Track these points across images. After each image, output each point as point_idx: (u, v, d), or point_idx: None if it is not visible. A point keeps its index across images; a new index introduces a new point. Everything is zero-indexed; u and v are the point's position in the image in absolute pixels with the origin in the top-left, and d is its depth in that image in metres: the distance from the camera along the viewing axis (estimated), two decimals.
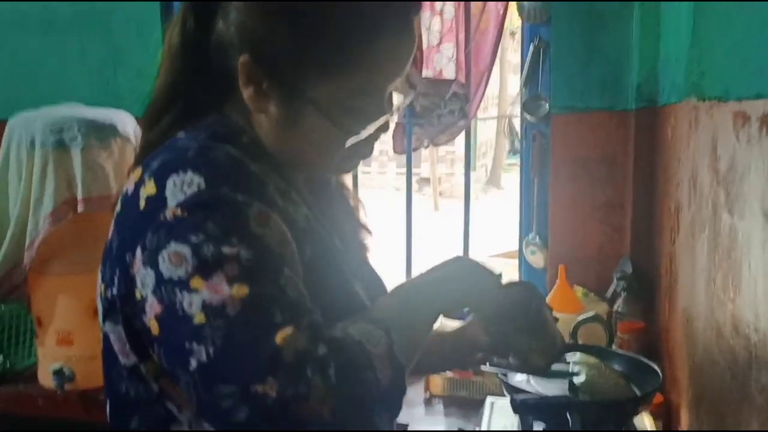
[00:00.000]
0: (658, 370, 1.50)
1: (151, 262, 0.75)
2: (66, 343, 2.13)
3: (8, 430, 2.23)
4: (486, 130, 10.75)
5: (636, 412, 1.52)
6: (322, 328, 0.75)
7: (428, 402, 2.07)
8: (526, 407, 1.34)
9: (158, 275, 0.75)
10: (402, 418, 2.16)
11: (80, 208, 2.07)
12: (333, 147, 0.89)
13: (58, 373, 2.10)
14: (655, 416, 1.68)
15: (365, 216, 1.12)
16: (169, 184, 0.77)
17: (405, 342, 0.81)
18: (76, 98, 2.31)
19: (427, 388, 2.08)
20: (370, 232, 1.11)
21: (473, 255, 3.14)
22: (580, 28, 2.26)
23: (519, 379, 1.56)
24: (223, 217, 0.75)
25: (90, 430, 1.94)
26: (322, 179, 1.03)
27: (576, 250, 2.32)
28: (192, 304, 0.72)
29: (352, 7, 0.82)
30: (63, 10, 2.62)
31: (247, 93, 0.85)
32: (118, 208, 0.84)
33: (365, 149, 0.92)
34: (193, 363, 0.71)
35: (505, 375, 1.61)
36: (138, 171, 0.82)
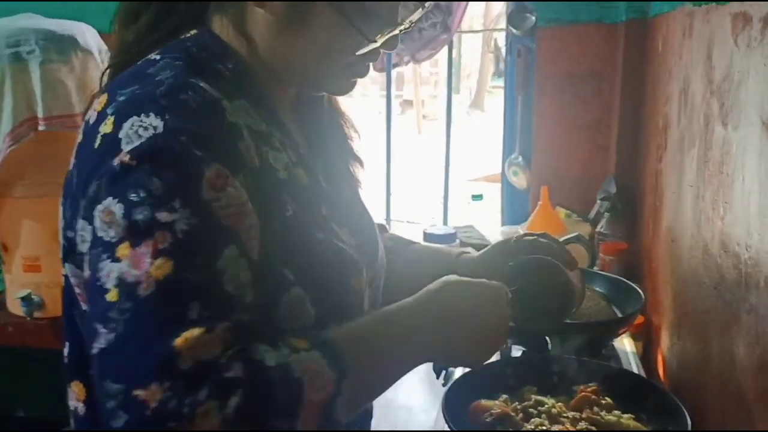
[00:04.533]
0: (640, 292, 1.46)
1: (88, 216, 0.67)
2: (33, 270, 2.07)
3: None
4: (471, 51, 10.51)
5: (617, 334, 1.49)
6: (248, 338, 0.63)
7: None
8: None
9: (93, 233, 0.66)
10: None
11: (41, 127, 1.97)
12: (337, 57, 0.80)
13: (27, 300, 2.04)
14: (636, 337, 1.66)
15: (359, 144, 1.01)
16: (127, 125, 0.67)
17: (360, 391, 0.70)
18: (33, 8, 2.17)
19: None
20: (362, 165, 1.00)
21: (456, 179, 3.05)
22: None
23: None
24: (173, 173, 0.64)
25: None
26: (314, 105, 0.93)
27: (560, 171, 2.25)
28: (110, 275, 0.62)
29: None
30: None
31: None
32: (80, 137, 0.75)
33: (362, 67, 0.83)
34: (95, 348, 0.62)
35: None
36: (103, 98, 0.73)
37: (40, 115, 1.97)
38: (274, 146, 0.78)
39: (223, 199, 0.66)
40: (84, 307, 0.77)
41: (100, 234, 0.65)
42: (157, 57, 0.75)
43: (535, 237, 1.00)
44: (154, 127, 0.65)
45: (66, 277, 0.79)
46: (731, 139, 1.00)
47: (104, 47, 2.17)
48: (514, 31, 2.32)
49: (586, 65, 2.17)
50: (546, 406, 1.18)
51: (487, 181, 5.07)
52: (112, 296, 0.62)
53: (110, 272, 0.63)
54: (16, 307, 2.08)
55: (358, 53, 0.79)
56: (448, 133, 2.68)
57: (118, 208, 0.64)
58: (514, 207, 2.41)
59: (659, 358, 1.55)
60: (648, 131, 1.85)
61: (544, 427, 1.10)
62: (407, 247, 1.10)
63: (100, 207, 0.65)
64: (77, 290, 0.77)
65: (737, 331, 0.95)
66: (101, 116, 0.71)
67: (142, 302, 0.61)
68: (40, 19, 2.14)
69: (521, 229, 2.17)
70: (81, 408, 0.81)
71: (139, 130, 0.66)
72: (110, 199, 0.65)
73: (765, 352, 0.85)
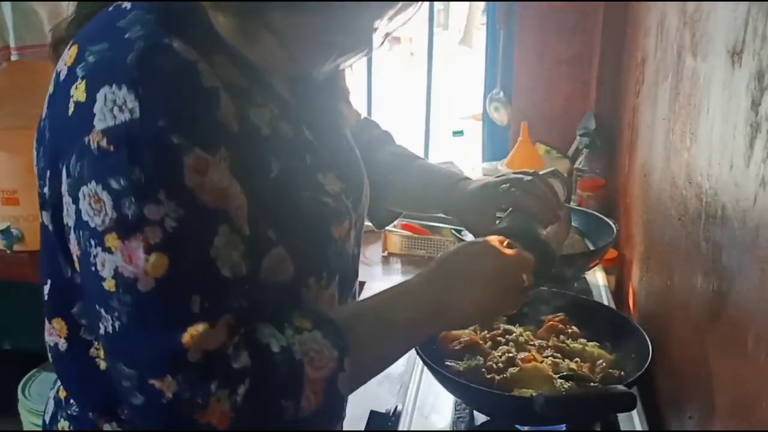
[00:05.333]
0: (613, 225, 1.48)
1: (73, 195, 0.67)
2: (11, 203, 2.06)
3: None
4: None
5: (588, 267, 1.52)
6: (250, 320, 0.67)
7: (386, 260, 2.07)
8: None
9: (78, 214, 0.66)
10: (360, 276, 2.17)
11: (13, 57, 1.93)
12: (296, 68, 0.77)
13: (6, 233, 2.04)
14: (609, 271, 1.69)
15: (349, 79, 0.98)
16: (100, 96, 0.65)
17: (365, 365, 0.73)
18: None
19: (385, 247, 2.06)
20: (349, 101, 0.99)
21: (441, 117, 3.02)
22: None
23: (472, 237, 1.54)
24: (152, 162, 0.63)
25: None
26: None
27: (540, 107, 2.25)
28: (104, 265, 0.64)
29: None
30: None
31: None
32: (51, 87, 0.73)
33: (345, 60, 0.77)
34: (101, 328, 0.66)
35: (460, 232, 1.59)
36: (74, 51, 0.70)
37: (12, 44, 1.94)
38: (255, 102, 0.76)
39: (207, 183, 0.65)
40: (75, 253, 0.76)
41: (85, 218, 0.66)
42: (128, 6, 0.71)
43: (522, 191, 0.95)
44: (130, 110, 0.63)
45: (43, 222, 0.78)
46: (699, 70, 1.00)
47: None
48: None
49: None
50: (514, 334, 1.21)
51: (473, 119, 5.04)
52: (109, 285, 0.64)
53: (104, 261, 0.64)
54: None
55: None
56: (429, 69, 2.64)
57: (106, 197, 0.64)
58: (495, 143, 2.41)
59: (630, 291, 1.58)
60: (628, 66, 1.84)
61: (511, 354, 1.13)
62: (410, 163, 1.09)
63: (85, 190, 0.65)
64: (55, 237, 0.76)
65: (696, 260, 0.97)
66: (71, 75, 0.69)
67: (142, 297, 0.63)
68: None
69: (500, 166, 2.17)
70: (62, 344, 0.82)
71: (114, 109, 0.64)
72: (94, 183, 0.64)
73: (720, 279, 0.86)
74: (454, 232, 1.62)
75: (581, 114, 2.17)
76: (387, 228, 2.05)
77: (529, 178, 0.97)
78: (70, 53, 0.71)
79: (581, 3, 2.13)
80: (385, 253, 2.07)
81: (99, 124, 0.64)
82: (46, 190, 0.74)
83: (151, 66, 0.65)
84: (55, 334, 0.82)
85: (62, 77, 0.71)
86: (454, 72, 7.48)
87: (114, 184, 0.63)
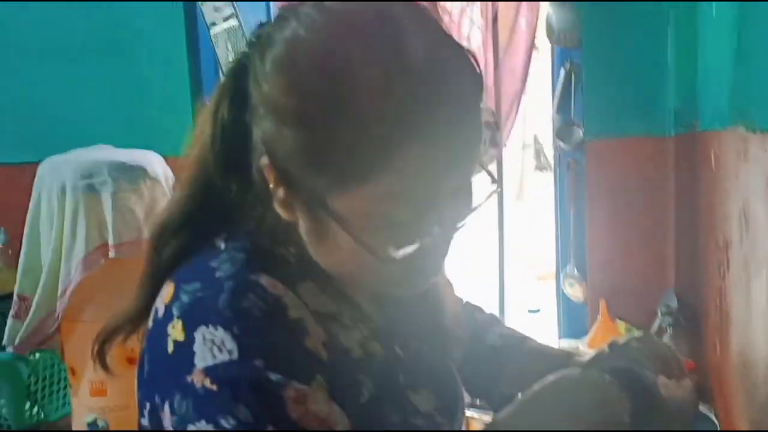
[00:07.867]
0: (716, 421, 1.43)
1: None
2: (99, 393, 2.10)
3: None
4: (512, 149, 10.63)
5: None
6: None
7: None
8: None
9: None
10: None
11: (111, 254, 2.05)
12: (375, 266, 0.74)
13: (93, 425, 2.07)
14: None
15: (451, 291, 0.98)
16: (198, 336, 0.68)
17: None
18: (101, 134, 2.32)
19: None
20: (453, 297, 0.98)
21: (509, 278, 3.03)
22: (612, 49, 2.20)
23: None
24: (255, 401, 0.67)
25: None
26: None
27: (616, 282, 2.24)
28: None
29: (371, 107, 0.65)
30: (85, 42, 2.60)
31: (275, 198, 0.75)
32: (150, 322, 0.76)
33: (428, 264, 0.76)
34: None
35: None
36: (170, 289, 0.74)
37: (111, 242, 2.06)
38: (345, 324, 0.78)
39: (310, 412, 0.68)
40: None
41: None
42: (222, 245, 0.75)
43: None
44: (229, 351, 0.67)
45: None
46: None
47: (170, 173, 2.29)
48: (562, 144, 2.37)
49: (637, 177, 2.20)
50: None
51: (539, 280, 5.04)
52: None
53: None
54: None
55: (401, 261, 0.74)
56: (501, 241, 2.69)
57: None
58: (572, 319, 2.40)
59: None
60: (707, 246, 1.84)
61: None
62: (522, 344, 1.07)
63: (193, 428, 0.67)
64: None
65: None
66: (168, 314, 0.72)
67: None
68: (112, 151, 2.27)
69: (582, 346, 2.15)
70: None
71: (213, 349, 0.68)
72: (204, 422, 0.67)
73: None
74: None
75: (659, 288, 2.16)
76: (468, 414, 2.02)
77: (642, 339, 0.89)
78: (167, 291, 0.74)
79: (650, 181, 2.18)
80: None
81: (200, 363, 0.67)
82: (144, 421, 0.75)
83: (241, 306, 0.69)
84: None
85: (160, 314, 0.73)
86: (513, 226, 7.55)
87: (224, 423, 0.65)
